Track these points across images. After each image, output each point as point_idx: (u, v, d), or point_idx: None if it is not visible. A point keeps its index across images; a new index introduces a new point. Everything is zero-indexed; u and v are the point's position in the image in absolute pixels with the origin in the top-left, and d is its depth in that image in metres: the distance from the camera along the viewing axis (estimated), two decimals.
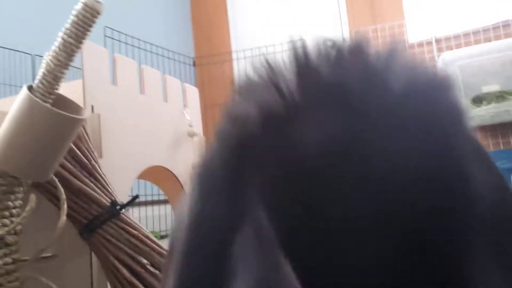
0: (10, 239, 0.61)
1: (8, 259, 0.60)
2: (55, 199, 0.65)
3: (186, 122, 1.13)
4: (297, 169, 0.21)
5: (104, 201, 0.71)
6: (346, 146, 0.21)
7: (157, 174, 1.06)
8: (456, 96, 0.23)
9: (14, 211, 0.60)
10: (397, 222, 0.20)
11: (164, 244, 0.77)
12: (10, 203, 0.60)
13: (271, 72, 0.24)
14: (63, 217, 0.62)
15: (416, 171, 0.21)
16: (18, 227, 0.60)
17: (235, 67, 3.94)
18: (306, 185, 0.21)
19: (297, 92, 0.22)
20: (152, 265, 0.71)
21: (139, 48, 2.66)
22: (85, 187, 0.69)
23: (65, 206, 0.62)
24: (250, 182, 0.22)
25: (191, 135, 1.13)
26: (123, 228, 0.71)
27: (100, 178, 0.72)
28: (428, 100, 0.22)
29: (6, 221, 0.59)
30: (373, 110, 0.21)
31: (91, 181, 0.70)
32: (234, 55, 3.95)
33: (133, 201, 0.74)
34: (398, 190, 0.21)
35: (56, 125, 0.59)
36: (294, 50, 0.24)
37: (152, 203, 2.32)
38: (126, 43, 2.55)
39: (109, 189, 0.72)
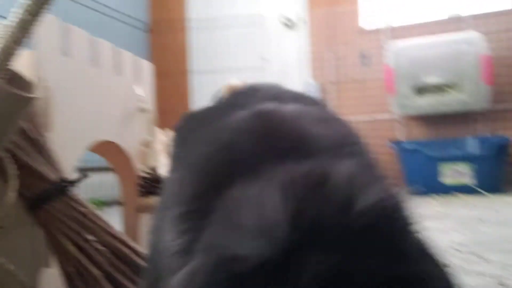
0: None
1: None
2: (3, 174, 0.64)
3: (138, 97, 1.13)
4: None
5: (53, 177, 0.71)
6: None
7: (105, 148, 1.06)
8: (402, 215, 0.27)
9: None
10: None
11: (106, 212, 0.79)
12: None
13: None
14: (12, 193, 0.62)
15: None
16: None
17: (191, 37, 3.87)
18: None
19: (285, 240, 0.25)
20: (99, 242, 0.73)
21: (87, 7, 2.55)
22: (32, 162, 0.69)
23: (14, 181, 0.63)
24: None
25: (142, 110, 1.14)
26: (70, 205, 0.72)
27: (49, 154, 0.72)
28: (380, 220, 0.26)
29: None
30: (348, 245, 0.25)
31: (40, 157, 0.70)
32: (190, 24, 3.87)
33: (81, 179, 0.75)
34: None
35: (7, 103, 0.59)
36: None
37: (93, 170, 2.33)
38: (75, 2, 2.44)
39: (58, 166, 0.73)
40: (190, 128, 0.51)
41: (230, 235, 0.26)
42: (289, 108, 0.43)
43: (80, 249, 0.71)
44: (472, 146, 2.72)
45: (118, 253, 0.74)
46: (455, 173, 2.38)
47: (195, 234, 0.32)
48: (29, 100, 0.60)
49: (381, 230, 0.26)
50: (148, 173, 1.11)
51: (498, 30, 3.04)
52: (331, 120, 0.45)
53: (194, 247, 0.30)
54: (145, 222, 1.12)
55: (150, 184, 1.10)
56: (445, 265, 0.31)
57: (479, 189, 2.26)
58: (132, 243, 0.77)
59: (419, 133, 3.00)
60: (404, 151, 2.48)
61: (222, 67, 3.73)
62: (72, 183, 0.73)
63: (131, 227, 1.10)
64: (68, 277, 0.71)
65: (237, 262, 0.24)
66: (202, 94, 3.59)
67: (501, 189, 2.31)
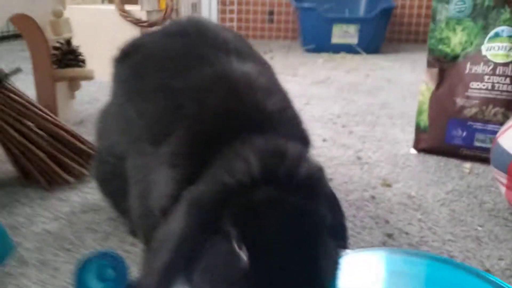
0: None
1: None
2: None
3: None
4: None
5: None
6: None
7: (19, 20, 1.04)
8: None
9: None
10: None
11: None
12: None
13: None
14: None
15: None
16: None
17: None
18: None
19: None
20: (38, 127, 0.83)
21: None
22: None
23: None
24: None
25: None
26: (7, 96, 0.79)
27: None
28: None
29: None
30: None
31: None
32: None
33: (15, 73, 0.80)
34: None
35: None
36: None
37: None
38: None
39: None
40: (147, 56, 0.61)
41: (226, 173, 0.42)
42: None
43: (22, 133, 0.81)
44: (362, 4, 2.96)
45: (57, 136, 0.85)
46: (344, 33, 2.63)
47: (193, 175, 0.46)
48: None
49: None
50: (61, 44, 1.13)
51: None
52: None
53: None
54: (60, 91, 1.19)
55: (64, 55, 1.14)
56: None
57: (360, 49, 2.57)
58: (67, 126, 0.87)
59: None
60: (303, 10, 2.61)
61: None
62: (7, 75, 0.78)
63: (46, 96, 1.16)
64: (14, 158, 0.82)
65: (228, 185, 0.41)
66: None
67: (380, 50, 2.65)
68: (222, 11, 3.25)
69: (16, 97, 0.80)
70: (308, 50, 2.63)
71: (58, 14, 1.11)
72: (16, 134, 0.80)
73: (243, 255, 0.38)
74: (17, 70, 0.81)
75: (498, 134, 0.75)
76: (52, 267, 0.62)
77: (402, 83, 1.83)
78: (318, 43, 2.61)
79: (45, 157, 0.82)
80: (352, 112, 1.40)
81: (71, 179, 0.84)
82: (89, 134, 1.12)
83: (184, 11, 2.07)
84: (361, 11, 2.98)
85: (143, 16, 1.69)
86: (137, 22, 1.68)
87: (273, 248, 0.39)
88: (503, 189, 0.73)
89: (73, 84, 1.20)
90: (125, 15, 1.66)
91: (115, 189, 0.64)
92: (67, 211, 0.76)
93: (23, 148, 0.81)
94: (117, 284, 0.55)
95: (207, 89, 0.52)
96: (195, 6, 2.30)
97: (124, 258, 0.53)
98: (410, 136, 1.11)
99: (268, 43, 3.00)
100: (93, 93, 1.50)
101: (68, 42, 1.13)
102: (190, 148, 0.49)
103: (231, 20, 3.26)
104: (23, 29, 1.08)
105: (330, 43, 2.61)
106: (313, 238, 0.40)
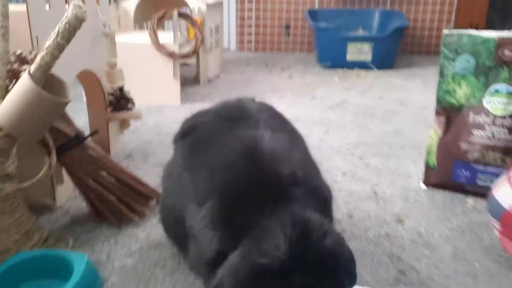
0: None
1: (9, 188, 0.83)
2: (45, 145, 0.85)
3: (102, 22, 1.24)
4: None
5: (70, 132, 0.93)
6: None
7: (81, 76, 1.21)
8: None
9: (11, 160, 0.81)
10: None
11: None
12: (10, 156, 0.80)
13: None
14: (54, 157, 0.85)
15: None
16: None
17: None
18: None
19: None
20: (108, 175, 1.00)
21: None
22: (59, 125, 0.90)
23: (54, 149, 0.85)
24: None
25: (106, 35, 1.26)
26: (86, 151, 0.96)
27: (66, 116, 0.92)
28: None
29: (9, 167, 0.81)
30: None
31: (63, 121, 0.90)
32: None
33: (93, 134, 0.97)
34: None
35: (46, 104, 0.77)
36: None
37: None
38: None
39: (74, 125, 0.93)
40: (200, 136, 0.78)
41: (259, 252, 0.58)
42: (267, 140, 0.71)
43: (97, 181, 0.98)
44: (375, 20, 3.10)
45: (123, 182, 1.02)
46: (358, 51, 2.76)
47: (227, 237, 0.62)
48: (66, 103, 0.78)
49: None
50: (115, 90, 1.30)
51: None
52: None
53: (228, 248, 0.61)
54: (111, 129, 1.36)
55: (118, 101, 1.31)
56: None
57: (373, 66, 2.71)
58: (134, 175, 1.04)
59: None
60: (319, 29, 2.75)
61: None
62: (86, 137, 0.95)
63: (101, 135, 1.33)
64: (90, 201, 0.99)
65: (261, 266, 0.57)
66: None
67: (393, 65, 2.79)
68: (240, 26, 3.40)
69: (92, 152, 0.97)
70: (324, 66, 2.78)
71: (112, 66, 1.28)
72: (92, 182, 0.97)
73: None
74: (95, 133, 0.98)
75: (493, 187, 0.90)
76: None
77: (414, 106, 1.97)
78: (333, 60, 2.76)
79: (115, 200, 0.99)
80: (368, 141, 1.55)
81: (136, 217, 1.01)
82: (137, 167, 1.30)
83: (209, 34, 2.23)
84: (375, 27, 3.12)
85: (175, 49, 1.86)
86: (171, 55, 1.85)
87: None
88: (497, 234, 0.88)
89: (124, 123, 1.38)
90: (161, 49, 1.83)
91: (178, 234, 0.81)
92: (136, 248, 0.93)
93: (97, 193, 0.98)
94: None
95: (232, 162, 0.68)
96: (217, 28, 2.46)
97: None
98: (420, 168, 1.26)
99: (285, 57, 3.15)
100: (134, 124, 1.67)
101: (121, 89, 1.30)
102: (221, 215, 0.64)
103: (249, 34, 3.41)
104: (83, 80, 1.25)
105: (345, 60, 2.75)
106: None
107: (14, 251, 0.82)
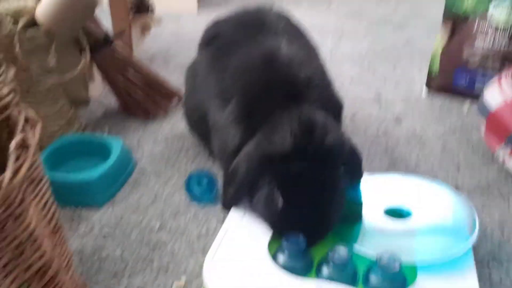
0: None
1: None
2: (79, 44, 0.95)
3: None
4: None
5: (101, 33, 1.02)
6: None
7: None
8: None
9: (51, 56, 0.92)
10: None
11: None
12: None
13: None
14: (88, 55, 0.95)
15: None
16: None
17: None
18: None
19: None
20: (137, 73, 1.10)
21: None
22: (90, 26, 0.99)
23: (88, 48, 0.95)
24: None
25: None
26: (114, 52, 1.06)
27: (97, 20, 1.01)
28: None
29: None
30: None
31: (93, 23, 0.99)
32: None
33: (120, 35, 1.06)
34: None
35: (81, 3, 0.86)
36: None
37: None
38: None
39: (102, 27, 1.02)
40: (223, 43, 0.86)
41: (268, 142, 0.69)
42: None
43: (125, 79, 1.09)
44: None
45: (149, 81, 1.13)
46: None
47: (248, 131, 0.74)
48: (98, 2, 0.87)
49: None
50: None
51: None
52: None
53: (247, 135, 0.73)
54: (134, 34, 1.44)
55: (138, 5, 1.37)
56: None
57: None
58: (156, 74, 1.15)
59: None
60: None
61: None
62: (113, 38, 1.04)
63: (125, 39, 1.41)
64: (120, 97, 1.11)
65: (269, 153, 0.68)
66: None
67: None
68: None
69: (120, 53, 1.07)
70: None
71: None
72: (121, 80, 1.09)
73: (280, 199, 0.67)
74: (122, 33, 1.07)
75: (484, 89, 0.98)
76: (163, 176, 0.94)
77: (430, 16, 1.97)
78: None
79: (142, 96, 1.11)
80: (378, 49, 1.61)
81: (160, 112, 1.13)
82: (159, 70, 1.40)
83: None
84: None
85: None
86: None
87: (299, 200, 0.66)
88: (483, 131, 0.99)
89: (145, 28, 1.45)
90: None
91: (201, 127, 0.93)
92: (162, 137, 1.07)
93: (126, 89, 1.10)
94: (210, 188, 0.87)
95: (254, 66, 0.78)
96: None
97: (213, 176, 0.84)
98: (425, 74, 1.34)
99: None
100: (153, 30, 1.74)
101: None
102: (243, 112, 0.75)
103: None
104: None
105: None
106: (327, 197, 0.66)
107: (59, 134, 0.96)
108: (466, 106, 1.21)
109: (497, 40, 1.14)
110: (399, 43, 1.66)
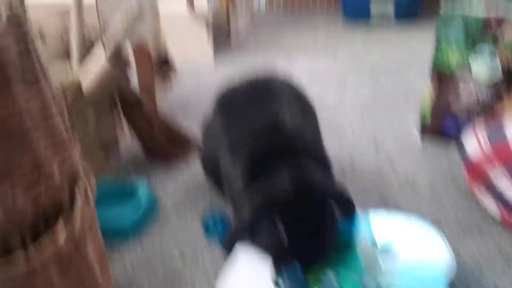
0: None
1: None
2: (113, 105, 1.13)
3: None
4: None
5: (132, 97, 1.20)
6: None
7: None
8: None
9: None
10: None
11: None
12: None
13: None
14: (122, 117, 1.13)
15: None
16: None
17: None
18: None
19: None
20: (159, 127, 1.27)
21: None
22: (122, 89, 1.17)
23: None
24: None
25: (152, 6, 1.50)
26: (142, 109, 1.24)
27: (129, 83, 1.19)
28: None
29: None
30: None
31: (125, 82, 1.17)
32: None
33: (146, 89, 1.24)
34: None
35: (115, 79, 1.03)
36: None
37: None
38: None
39: (133, 89, 1.20)
40: (234, 105, 1.03)
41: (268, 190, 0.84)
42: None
43: (151, 129, 1.26)
44: None
45: (169, 132, 1.30)
46: (381, 3, 2.87)
47: (251, 183, 0.88)
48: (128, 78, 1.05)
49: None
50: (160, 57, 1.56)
51: None
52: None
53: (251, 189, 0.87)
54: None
55: (161, 66, 1.57)
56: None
57: (395, 19, 2.84)
58: (176, 126, 1.32)
59: None
60: None
61: None
62: (141, 99, 1.22)
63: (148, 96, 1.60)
64: (144, 143, 1.28)
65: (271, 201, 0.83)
66: None
67: (416, 17, 2.89)
68: None
69: (147, 109, 1.25)
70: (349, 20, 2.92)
71: (157, 35, 1.52)
72: (147, 130, 1.26)
73: (283, 233, 0.80)
74: (146, 87, 1.25)
75: (463, 139, 1.12)
76: (185, 219, 1.08)
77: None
78: (356, 11, 2.89)
79: (164, 147, 1.28)
80: (379, 98, 1.76)
81: (180, 162, 1.29)
82: (180, 119, 1.57)
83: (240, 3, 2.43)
84: None
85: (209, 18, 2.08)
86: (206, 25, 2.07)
87: (299, 233, 0.79)
88: (466, 175, 1.11)
89: (167, 82, 1.64)
90: (196, 19, 2.05)
91: (215, 175, 1.08)
92: (183, 183, 1.22)
93: (151, 139, 1.27)
94: (223, 228, 1.00)
95: (259, 127, 0.93)
96: None
97: (225, 215, 0.98)
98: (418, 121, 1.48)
99: (313, 16, 3.29)
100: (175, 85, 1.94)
101: (166, 57, 1.55)
102: (249, 160, 0.90)
103: None
104: (134, 49, 1.51)
105: (368, 11, 2.88)
106: (324, 233, 0.80)
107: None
108: (455, 152, 1.34)
109: (479, 95, 1.28)
110: (398, 92, 1.81)
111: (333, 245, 0.83)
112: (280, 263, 0.81)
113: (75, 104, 1.04)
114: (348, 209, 0.90)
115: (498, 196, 0.99)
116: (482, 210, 1.07)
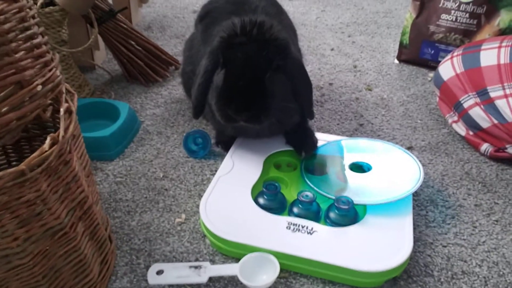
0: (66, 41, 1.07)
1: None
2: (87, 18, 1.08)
3: None
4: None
5: (105, 7, 1.15)
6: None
7: None
8: None
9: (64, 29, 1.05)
10: None
11: None
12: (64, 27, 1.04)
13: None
14: (96, 29, 1.09)
15: None
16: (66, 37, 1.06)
17: None
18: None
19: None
20: (136, 44, 1.24)
21: None
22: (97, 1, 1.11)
23: (96, 23, 1.08)
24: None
25: None
26: (118, 24, 1.19)
27: None
28: None
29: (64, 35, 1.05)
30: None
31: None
32: None
33: (123, 10, 1.18)
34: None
35: None
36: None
37: None
38: None
39: (107, 1, 1.15)
40: (212, 17, 1.00)
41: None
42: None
43: (127, 48, 1.23)
44: None
45: (148, 50, 1.26)
46: None
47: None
48: None
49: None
50: None
51: None
52: None
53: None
54: (133, 2, 1.55)
55: None
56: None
57: None
58: (155, 43, 1.28)
59: None
60: None
61: None
62: (117, 12, 1.17)
63: (127, 11, 1.53)
64: (123, 65, 1.25)
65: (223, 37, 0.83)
66: None
67: None
68: None
69: (123, 25, 1.20)
70: None
71: None
72: (124, 49, 1.22)
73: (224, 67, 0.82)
74: (124, 8, 1.19)
75: (439, 64, 1.14)
76: (164, 135, 1.10)
77: None
78: None
79: (142, 64, 1.25)
80: (359, 21, 1.74)
81: (159, 79, 1.28)
82: (157, 38, 1.53)
83: None
84: None
85: None
86: None
87: (238, 67, 0.80)
88: (437, 100, 1.15)
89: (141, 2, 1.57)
90: None
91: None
92: (162, 101, 1.22)
93: (128, 58, 1.24)
94: (204, 146, 1.03)
95: (232, 24, 0.87)
96: None
97: (207, 133, 1.00)
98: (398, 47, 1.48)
99: None
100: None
101: None
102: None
103: None
104: None
105: None
106: (261, 70, 0.81)
107: None
108: (430, 75, 1.37)
109: (459, 17, 1.28)
110: (378, 15, 1.79)
111: (275, 98, 0.82)
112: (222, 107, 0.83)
113: (50, 16, 1.00)
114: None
115: (466, 118, 1.04)
116: (451, 131, 1.12)
